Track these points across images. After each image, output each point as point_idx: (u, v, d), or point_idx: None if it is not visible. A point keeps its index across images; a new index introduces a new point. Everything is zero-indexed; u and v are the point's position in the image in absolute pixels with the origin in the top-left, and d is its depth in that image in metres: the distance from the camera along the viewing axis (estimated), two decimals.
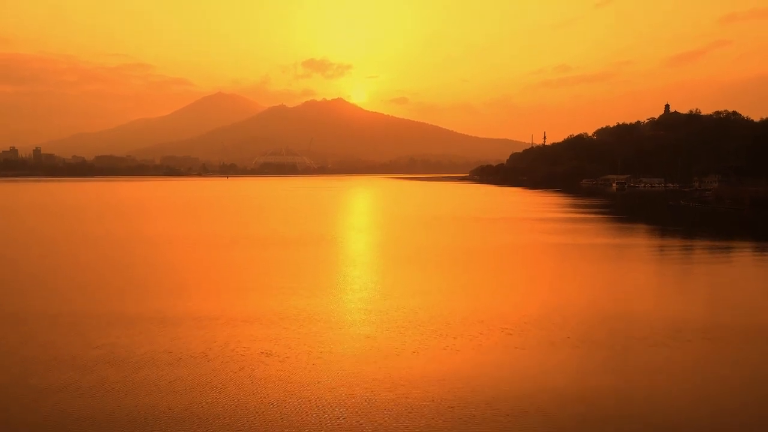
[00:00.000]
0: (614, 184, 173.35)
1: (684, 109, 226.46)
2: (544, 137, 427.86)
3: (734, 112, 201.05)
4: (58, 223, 63.76)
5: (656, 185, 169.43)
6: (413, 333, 19.16)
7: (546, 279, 29.29)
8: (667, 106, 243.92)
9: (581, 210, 78.77)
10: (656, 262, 35.81)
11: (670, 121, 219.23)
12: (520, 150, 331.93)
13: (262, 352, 17.24)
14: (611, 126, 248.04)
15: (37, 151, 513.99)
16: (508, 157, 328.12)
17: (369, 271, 31.51)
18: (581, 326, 19.96)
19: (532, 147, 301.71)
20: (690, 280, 30.14)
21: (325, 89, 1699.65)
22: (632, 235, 51.82)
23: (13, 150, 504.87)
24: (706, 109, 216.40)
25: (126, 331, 19.58)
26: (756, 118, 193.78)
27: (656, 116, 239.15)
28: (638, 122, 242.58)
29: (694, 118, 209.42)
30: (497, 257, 37.47)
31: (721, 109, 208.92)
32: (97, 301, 24.01)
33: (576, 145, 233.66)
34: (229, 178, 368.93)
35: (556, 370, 15.90)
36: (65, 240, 46.81)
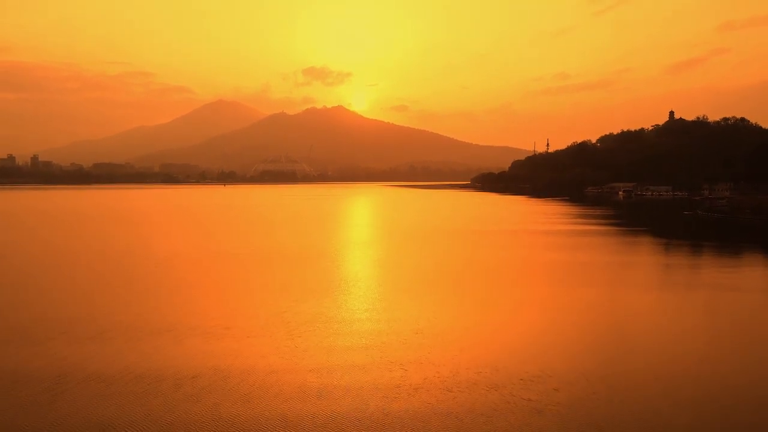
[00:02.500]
0: (621, 192, 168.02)
1: (686, 116, 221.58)
2: (547, 144, 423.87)
3: (742, 119, 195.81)
4: None
5: (664, 193, 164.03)
6: (399, 409, 13.56)
7: (572, 317, 23.39)
8: (671, 113, 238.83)
9: (592, 221, 73.17)
10: (711, 292, 30.02)
11: (676, 127, 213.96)
12: (520, 157, 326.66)
13: None
14: (615, 133, 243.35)
15: (34, 158, 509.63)
16: (508, 165, 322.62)
17: (353, 300, 25.85)
18: (636, 398, 14.28)
19: (535, 154, 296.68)
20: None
21: (326, 97, 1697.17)
22: (661, 252, 46.19)
23: (11, 158, 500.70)
24: (708, 116, 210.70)
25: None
26: (763, 125, 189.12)
27: (658, 123, 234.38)
28: (642, 129, 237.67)
29: (701, 124, 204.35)
30: (506, 282, 31.82)
31: (722, 116, 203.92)
32: None
33: (579, 152, 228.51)
34: (226, 186, 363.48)
35: None
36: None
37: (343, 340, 19.41)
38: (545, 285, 30.46)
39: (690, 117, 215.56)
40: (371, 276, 33.20)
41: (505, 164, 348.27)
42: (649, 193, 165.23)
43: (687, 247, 48.18)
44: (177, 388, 14.81)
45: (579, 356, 17.50)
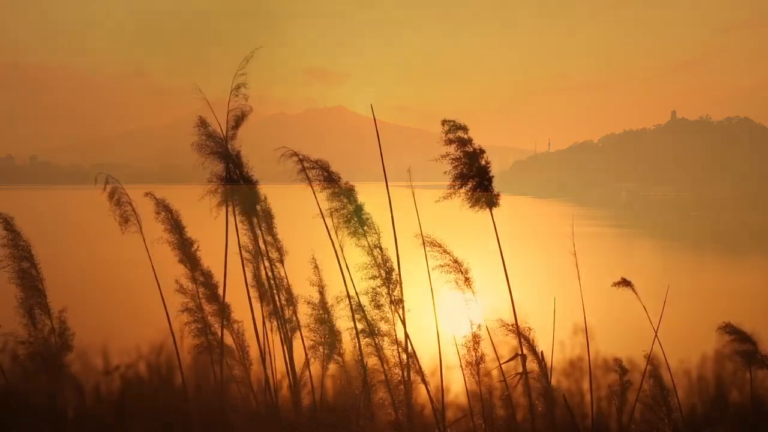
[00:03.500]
0: (623, 193, 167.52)
1: (686, 117, 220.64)
2: (549, 144, 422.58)
3: (746, 118, 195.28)
4: None
5: (667, 193, 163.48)
6: None
7: None
8: (673, 113, 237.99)
9: (604, 223, 72.17)
10: None
11: (678, 127, 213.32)
12: (521, 157, 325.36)
13: None
14: (617, 133, 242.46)
15: (33, 158, 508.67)
16: (509, 165, 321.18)
17: None
18: None
19: (536, 154, 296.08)
20: None
21: (326, 97, 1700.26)
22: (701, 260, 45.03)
23: (10, 158, 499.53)
24: (711, 116, 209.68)
25: None
26: (766, 125, 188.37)
27: (660, 123, 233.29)
28: (644, 129, 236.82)
29: (704, 124, 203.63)
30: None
31: (723, 116, 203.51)
32: None
33: (581, 152, 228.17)
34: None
35: None
36: None
37: None
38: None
39: (690, 117, 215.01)
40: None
41: (506, 164, 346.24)
42: (653, 193, 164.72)
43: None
44: None
45: None
